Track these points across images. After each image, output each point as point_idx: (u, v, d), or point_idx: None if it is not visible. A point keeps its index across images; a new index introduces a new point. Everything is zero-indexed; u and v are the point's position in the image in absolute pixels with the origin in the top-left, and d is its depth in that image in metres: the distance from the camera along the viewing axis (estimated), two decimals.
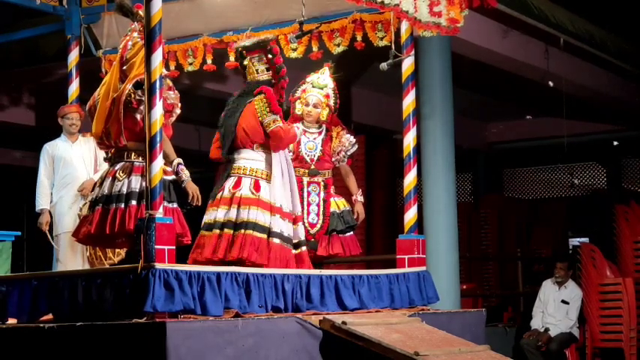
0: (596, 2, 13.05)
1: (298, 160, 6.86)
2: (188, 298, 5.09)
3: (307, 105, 6.89)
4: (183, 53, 7.97)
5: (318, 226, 6.76)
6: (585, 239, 16.20)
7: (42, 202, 7.63)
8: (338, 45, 7.39)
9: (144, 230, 5.06)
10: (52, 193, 7.66)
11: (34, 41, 11.20)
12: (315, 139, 6.89)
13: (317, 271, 6.10)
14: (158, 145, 5.16)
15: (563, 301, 10.74)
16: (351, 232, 6.94)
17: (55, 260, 7.55)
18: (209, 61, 7.92)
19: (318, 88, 6.93)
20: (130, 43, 5.72)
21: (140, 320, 4.96)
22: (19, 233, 8.13)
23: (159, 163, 5.16)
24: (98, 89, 5.83)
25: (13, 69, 11.93)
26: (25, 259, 15.85)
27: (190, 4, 7.74)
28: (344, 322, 5.52)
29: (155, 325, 4.83)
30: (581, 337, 10.88)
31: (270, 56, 6.29)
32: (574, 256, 12.43)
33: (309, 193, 6.83)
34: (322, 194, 6.81)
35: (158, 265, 5.02)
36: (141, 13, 5.74)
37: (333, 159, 6.91)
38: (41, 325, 5.29)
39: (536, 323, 10.75)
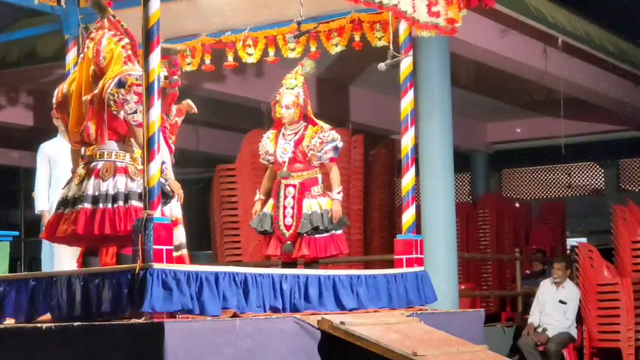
0: (595, 2, 13.07)
1: (277, 163, 6.89)
2: (186, 298, 5.09)
3: (280, 106, 6.89)
4: (182, 53, 7.95)
5: (292, 228, 6.76)
6: (583, 239, 16.23)
7: (41, 203, 7.60)
8: (336, 45, 7.38)
9: (142, 230, 5.06)
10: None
11: (32, 41, 11.20)
12: (290, 140, 6.88)
13: (315, 271, 6.10)
14: (156, 144, 5.16)
15: (561, 301, 10.77)
16: (331, 232, 6.79)
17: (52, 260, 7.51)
18: (207, 61, 7.91)
19: (290, 89, 6.91)
20: (104, 40, 5.66)
21: (138, 320, 4.95)
22: (17, 233, 8.12)
23: (157, 163, 5.15)
24: (67, 85, 5.76)
25: (10, 69, 11.93)
26: (23, 259, 15.86)
27: (188, 3, 7.72)
28: (342, 322, 5.52)
29: (153, 325, 4.82)
30: (579, 337, 10.90)
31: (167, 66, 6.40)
32: (572, 256, 12.46)
33: (285, 196, 6.82)
34: (296, 196, 6.80)
35: (156, 265, 5.02)
36: (111, 10, 5.75)
37: (307, 159, 6.87)
38: (39, 325, 5.28)
39: (533, 319, 10.80)
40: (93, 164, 5.59)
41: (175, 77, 6.49)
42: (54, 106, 5.86)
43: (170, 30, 7.28)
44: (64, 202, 5.65)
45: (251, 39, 7.66)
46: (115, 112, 5.48)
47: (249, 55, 7.69)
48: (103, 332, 4.99)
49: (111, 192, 5.49)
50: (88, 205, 5.51)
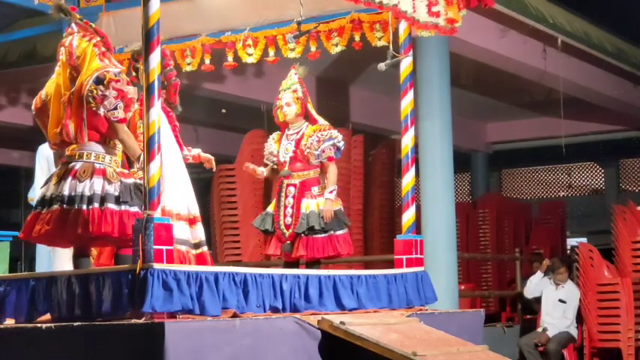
0: (594, 2, 13.07)
1: (280, 163, 6.92)
2: (186, 298, 5.09)
3: (281, 108, 6.91)
4: (182, 53, 7.95)
5: (291, 228, 6.76)
6: (583, 239, 16.23)
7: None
8: (336, 45, 7.37)
9: (142, 230, 5.06)
10: None
11: (32, 41, 11.20)
12: (292, 140, 6.90)
13: (315, 271, 6.10)
14: (156, 145, 5.16)
15: (561, 300, 10.78)
16: (329, 233, 6.77)
17: (49, 261, 7.47)
18: (207, 61, 7.91)
19: (287, 89, 6.94)
20: (74, 42, 5.67)
21: (139, 320, 4.95)
22: (17, 233, 8.10)
23: (157, 163, 5.15)
24: (44, 90, 5.76)
25: (10, 69, 11.94)
26: (23, 260, 15.86)
27: (188, 4, 7.73)
28: (342, 322, 5.52)
29: (154, 326, 4.82)
30: (579, 337, 10.91)
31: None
32: (572, 256, 12.47)
33: (286, 196, 6.84)
34: (296, 196, 6.80)
35: (156, 266, 5.02)
36: (76, 14, 5.78)
37: (305, 157, 6.87)
38: (39, 325, 5.29)
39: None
40: (71, 165, 5.57)
41: (168, 68, 6.50)
42: (33, 112, 5.85)
43: (170, 30, 7.28)
44: (42, 202, 5.64)
45: (251, 39, 7.65)
46: (94, 109, 5.47)
47: (249, 55, 7.69)
48: (103, 332, 5.00)
49: (87, 193, 5.46)
50: (62, 206, 5.49)
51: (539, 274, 11.52)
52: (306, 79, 7.05)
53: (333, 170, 6.87)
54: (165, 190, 5.61)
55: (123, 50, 7.71)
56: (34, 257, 7.66)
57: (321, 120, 6.95)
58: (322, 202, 6.79)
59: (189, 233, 6.33)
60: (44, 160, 7.57)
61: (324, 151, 6.82)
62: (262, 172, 7.08)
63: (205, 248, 6.45)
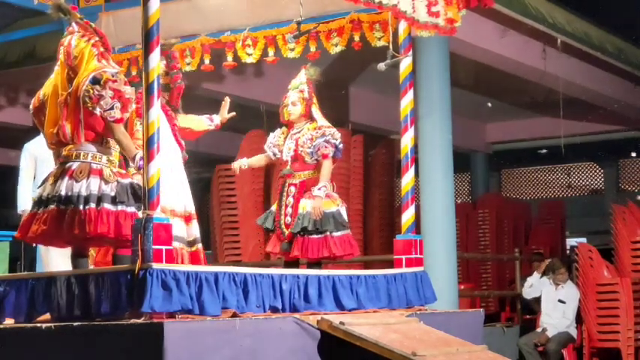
0: (594, 3, 13.07)
1: (282, 161, 6.95)
2: (186, 298, 5.09)
3: (287, 106, 6.92)
4: (181, 53, 7.95)
5: (290, 228, 6.76)
6: (583, 239, 16.24)
7: (23, 202, 7.56)
8: (336, 45, 7.37)
9: (141, 230, 5.06)
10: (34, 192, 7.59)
11: (32, 41, 11.21)
12: (294, 139, 6.89)
13: (315, 271, 6.10)
14: (156, 145, 5.16)
15: (560, 301, 10.79)
16: (325, 234, 6.69)
17: (39, 260, 7.45)
18: (207, 61, 7.91)
19: (295, 88, 6.95)
20: (73, 41, 5.68)
21: (138, 320, 4.96)
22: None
23: (157, 163, 5.16)
24: (42, 90, 5.77)
25: (10, 69, 11.94)
26: (23, 260, 15.86)
27: (188, 4, 7.74)
28: (342, 323, 5.52)
29: (153, 326, 4.82)
30: (578, 337, 10.92)
31: (165, 61, 6.36)
32: (572, 256, 12.48)
33: (287, 195, 6.84)
34: (296, 195, 6.81)
35: (156, 265, 5.02)
36: (77, 14, 5.80)
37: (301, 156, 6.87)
38: (39, 325, 5.29)
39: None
40: (68, 165, 5.58)
41: (175, 71, 6.51)
42: (31, 111, 5.85)
43: (170, 30, 7.27)
44: (39, 202, 5.64)
45: (250, 39, 7.66)
46: (90, 109, 5.48)
47: (249, 55, 7.70)
48: (102, 332, 5.00)
49: (83, 193, 5.46)
50: (59, 206, 5.49)
51: (536, 275, 11.54)
52: (313, 81, 7.04)
53: (326, 167, 6.78)
54: (163, 188, 5.61)
55: (124, 50, 7.74)
56: (34, 257, 7.67)
57: (324, 122, 6.92)
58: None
59: (184, 231, 6.33)
60: (31, 157, 7.52)
61: (318, 149, 6.78)
62: (245, 164, 7.08)
63: (200, 246, 6.45)
